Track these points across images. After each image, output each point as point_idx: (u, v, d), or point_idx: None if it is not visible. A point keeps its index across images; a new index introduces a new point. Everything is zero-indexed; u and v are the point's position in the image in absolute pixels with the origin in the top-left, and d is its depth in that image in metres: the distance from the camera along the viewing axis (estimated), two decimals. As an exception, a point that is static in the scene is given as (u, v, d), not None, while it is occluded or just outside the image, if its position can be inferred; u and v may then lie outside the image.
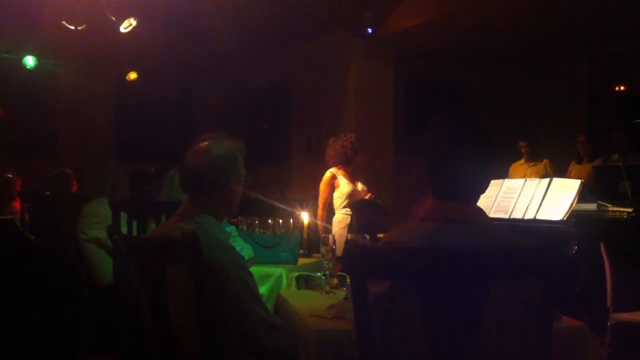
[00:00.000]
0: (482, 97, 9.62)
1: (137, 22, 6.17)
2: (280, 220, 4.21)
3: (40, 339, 3.50)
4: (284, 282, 3.67)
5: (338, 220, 5.37)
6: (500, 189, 4.35)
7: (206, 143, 2.28)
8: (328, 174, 5.46)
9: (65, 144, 9.51)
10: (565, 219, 3.91)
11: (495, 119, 8.29)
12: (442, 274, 1.55)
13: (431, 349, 1.58)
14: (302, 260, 4.10)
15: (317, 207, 5.51)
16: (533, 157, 7.39)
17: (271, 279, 3.70)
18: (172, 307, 2.04)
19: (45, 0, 6.16)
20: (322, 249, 2.93)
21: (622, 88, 8.82)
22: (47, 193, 6.15)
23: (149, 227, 3.68)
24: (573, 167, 7.36)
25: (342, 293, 2.78)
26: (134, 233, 3.58)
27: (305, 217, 4.47)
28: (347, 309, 2.26)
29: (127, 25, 6.18)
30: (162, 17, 6.77)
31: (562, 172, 7.15)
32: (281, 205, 5.84)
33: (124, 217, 3.74)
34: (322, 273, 2.98)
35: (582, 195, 4.05)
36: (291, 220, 4.28)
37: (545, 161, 7.36)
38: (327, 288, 2.90)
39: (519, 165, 7.50)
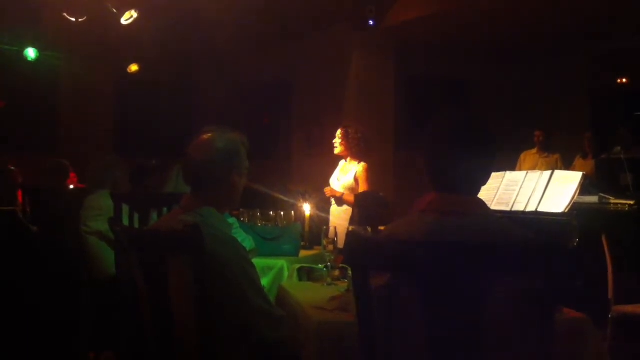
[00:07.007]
0: (482, 93, 9.58)
1: (138, 14, 6.16)
2: (282, 212, 4.21)
3: (40, 333, 3.49)
4: (286, 274, 3.66)
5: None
6: (502, 182, 4.34)
7: (209, 135, 2.26)
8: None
9: (66, 136, 9.48)
10: (567, 211, 3.91)
11: (495, 116, 8.25)
12: (442, 266, 1.55)
13: (432, 341, 1.58)
14: (303, 253, 4.10)
15: (319, 199, 5.47)
16: (545, 149, 7.42)
17: (273, 271, 3.70)
18: (173, 299, 2.04)
19: (46, -8, 6.16)
20: (324, 241, 2.94)
21: (624, 81, 8.80)
22: (46, 186, 6.13)
23: (150, 220, 3.67)
24: (577, 161, 7.38)
25: (343, 285, 2.78)
26: (136, 225, 3.58)
27: (307, 209, 4.47)
28: (349, 300, 2.26)
29: (128, 17, 6.16)
30: (163, 9, 6.75)
31: (566, 167, 7.15)
32: (283, 197, 5.83)
33: (125, 209, 3.74)
34: (323, 265, 2.98)
35: (584, 187, 4.05)
36: (293, 212, 4.28)
37: (557, 155, 7.38)
38: (329, 280, 2.91)
39: (532, 154, 7.53)
